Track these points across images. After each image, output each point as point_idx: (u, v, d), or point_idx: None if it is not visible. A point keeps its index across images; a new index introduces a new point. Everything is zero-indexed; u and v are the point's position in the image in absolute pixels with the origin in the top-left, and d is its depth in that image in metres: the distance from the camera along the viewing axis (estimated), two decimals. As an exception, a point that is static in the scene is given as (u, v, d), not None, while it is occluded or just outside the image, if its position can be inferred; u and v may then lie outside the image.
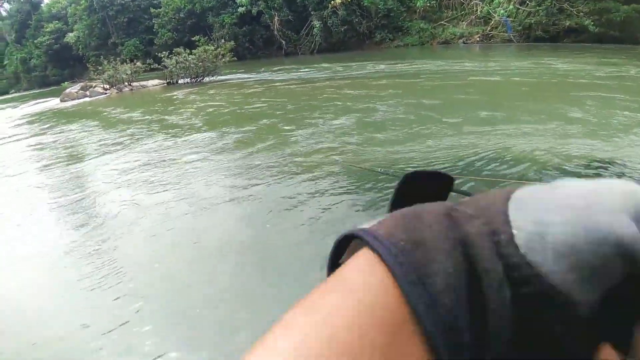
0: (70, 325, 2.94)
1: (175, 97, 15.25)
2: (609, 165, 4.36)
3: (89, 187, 6.02)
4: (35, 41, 48.34)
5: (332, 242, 0.30)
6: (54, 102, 22.15)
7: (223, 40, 23.47)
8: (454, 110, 7.46)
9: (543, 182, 0.34)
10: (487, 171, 4.50)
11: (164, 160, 6.73)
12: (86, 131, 10.87)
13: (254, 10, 31.85)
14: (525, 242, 0.24)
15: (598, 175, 3.92)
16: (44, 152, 9.15)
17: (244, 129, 8.21)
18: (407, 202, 0.30)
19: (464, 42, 24.10)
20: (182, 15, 37.38)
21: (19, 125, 15.16)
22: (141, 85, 21.05)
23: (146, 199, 5.12)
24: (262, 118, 9.06)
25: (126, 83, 21.18)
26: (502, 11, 22.50)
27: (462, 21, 25.37)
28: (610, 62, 12.09)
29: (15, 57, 51.53)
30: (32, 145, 10.16)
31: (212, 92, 15.08)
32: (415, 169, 0.35)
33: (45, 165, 7.78)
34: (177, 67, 19.23)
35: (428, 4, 26.02)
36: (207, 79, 19.51)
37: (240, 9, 32.16)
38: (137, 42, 40.15)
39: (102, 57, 29.08)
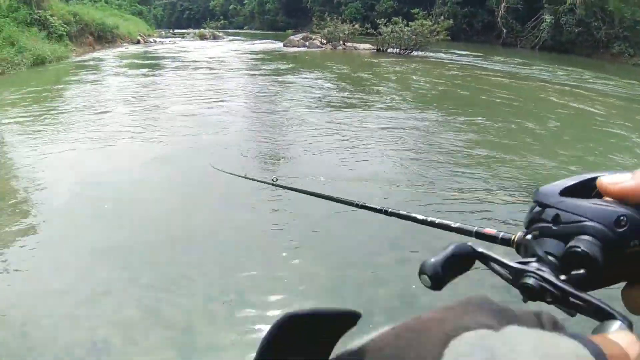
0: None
1: (381, 63, 15.93)
2: None
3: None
4: (275, -12, 54.25)
5: None
6: (277, 45, 25.09)
7: (442, 17, 23.14)
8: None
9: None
10: None
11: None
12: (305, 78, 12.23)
13: (482, -7, 30.53)
14: None
15: None
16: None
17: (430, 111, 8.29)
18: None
19: None
20: (407, -15, 37.77)
21: (254, 59, 17.65)
22: (353, 47, 22.32)
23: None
24: (449, 105, 8.94)
25: (341, 42, 22.67)
26: None
27: None
28: None
29: (254, -1, 58.84)
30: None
31: (414, 65, 15.27)
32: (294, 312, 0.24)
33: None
34: (391, 36, 19.74)
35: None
36: (415, 53, 19.70)
37: (468, -11, 31.11)
38: (359, 5, 41.96)
39: (326, 13, 31.49)
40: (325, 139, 6.17)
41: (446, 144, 6.06)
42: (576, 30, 25.41)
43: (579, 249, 0.31)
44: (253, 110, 8.33)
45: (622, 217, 0.32)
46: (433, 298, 2.41)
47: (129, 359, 2.34)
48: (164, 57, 18.40)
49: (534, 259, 0.34)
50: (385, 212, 0.77)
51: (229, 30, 50.59)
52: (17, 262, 3.18)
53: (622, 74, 16.40)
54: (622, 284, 0.35)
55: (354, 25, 23.08)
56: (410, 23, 19.84)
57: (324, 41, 23.26)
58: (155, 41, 29.81)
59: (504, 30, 30.94)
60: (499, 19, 30.86)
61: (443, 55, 19.68)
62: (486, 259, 0.36)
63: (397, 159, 5.43)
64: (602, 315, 0.29)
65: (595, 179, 0.35)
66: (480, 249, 0.36)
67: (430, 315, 0.24)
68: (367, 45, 21.96)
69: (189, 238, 3.58)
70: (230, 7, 68.62)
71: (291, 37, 26.00)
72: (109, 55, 19.76)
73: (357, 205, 0.87)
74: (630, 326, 0.28)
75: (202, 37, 32.66)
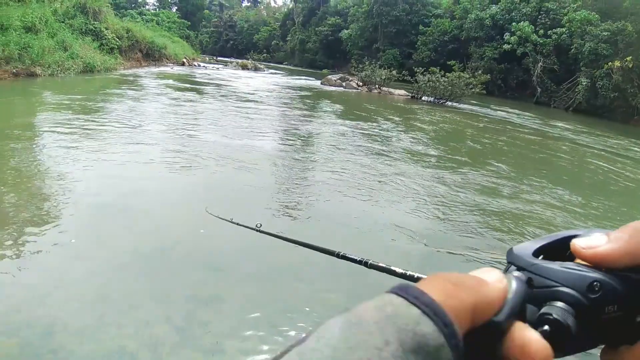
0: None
1: (415, 109, 16.42)
2: None
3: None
4: (317, 29, 56.52)
5: None
6: (315, 82, 26.05)
7: (480, 71, 23.72)
8: None
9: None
10: None
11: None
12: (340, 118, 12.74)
13: (519, 51, 31.20)
14: None
15: None
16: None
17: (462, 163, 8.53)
18: None
19: None
20: (445, 38, 38.92)
21: (298, 97, 18.36)
22: (388, 91, 22.96)
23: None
24: (485, 159, 9.13)
25: (377, 86, 23.39)
26: None
27: None
28: None
29: (297, 36, 61.28)
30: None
31: (448, 115, 15.68)
32: None
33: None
34: (427, 85, 20.32)
35: None
36: (449, 103, 20.19)
37: (506, 46, 31.86)
38: (397, 52, 43.32)
39: (365, 57, 32.58)
40: (347, 185, 5.92)
41: (466, 198, 6.10)
42: (611, 95, 25.61)
43: (550, 317, 0.30)
44: (281, 149, 8.07)
45: (595, 283, 0.31)
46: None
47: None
48: (205, 82, 19.34)
49: None
50: (365, 264, 0.77)
51: (270, 64, 52.66)
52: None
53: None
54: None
55: (391, 71, 23.82)
56: (448, 74, 20.44)
57: (360, 83, 24.04)
58: (199, 65, 31.33)
59: (539, 89, 31.43)
60: (534, 78, 31.38)
61: (477, 108, 20.14)
62: None
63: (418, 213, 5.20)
64: None
65: (569, 238, 0.35)
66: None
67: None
68: (402, 92, 22.58)
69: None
70: (272, 42, 71.45)
71: (329, 77, 26.97)
72: (154, 72, 20.94)
73: (337, 256, 0.87)
74: None
75: (244, 67, 34.05)
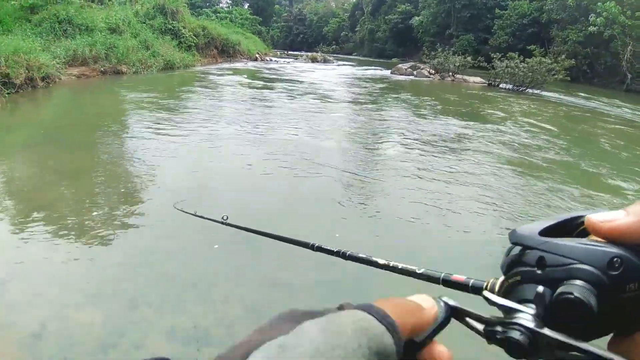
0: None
1: (494, 98, 15.68)
2: None
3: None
4: (386, 17, 55.68)
5: None
6: (385, 72, 25.70)
7: (563, 56, 22.14)
8: None
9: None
10: None
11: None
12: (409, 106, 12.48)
13: (606, 34, 28.59)
14: None
15: None
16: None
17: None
18: None
19: None
20: (525, 21, 36.69)
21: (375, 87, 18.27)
22: (463, 79, 22.12)
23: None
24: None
25: (450, 73, 22.61)
26: None
27: None
28: None
29: (366, 26, 60.82)
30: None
31: (532, 104, 14.78)
32: None
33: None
34: (505, 71, 19.30)
35: None
36: (529, 91, 19.06)
37: (591, 28, 29.30)
38: (472, 38, 41.54)
39: (437, 44, 31.60)
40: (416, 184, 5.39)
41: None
42: None
43: (572, 296, 0.28)
44: (346, 141, 7.68)
45: (616, 259, 0.28)
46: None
47: None
48: (277, 76, 19.68)
49: (517, 309, 0.31)
50: (343, 256, 0.72)
51: (339, 55, 52.73)
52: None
53: None
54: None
55: (465, 58, 22.89)
56: (527, 60, 19.29)
57: (432, 71, 23.34)
58: (270, 60, 32.07)
59: (629, 76, 28.70)
60: (624, 62, 28.71)
61: (561, 97, 18.75)
62: (459, 314, 0.34)
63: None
64: None
65: (576, 218, 0.34)
66: (451, 303, 0.35)
67: (240, 341, 0.27)
68: (478, 79, 21.64)
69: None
70: (342, 34, 71.44)
71: (399, 66, 26.48)
72: (229, 68, 21.70)
73: (313, 248, 0.84)
74: None
75: (314, 60, 34.36)
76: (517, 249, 0.34)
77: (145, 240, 3.60)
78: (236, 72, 19.96)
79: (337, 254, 0.73)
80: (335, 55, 50.71)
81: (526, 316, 0.30)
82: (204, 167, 5.69)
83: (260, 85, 15.07)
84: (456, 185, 5.44)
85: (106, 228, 3.72)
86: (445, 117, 10.66)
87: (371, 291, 2.94)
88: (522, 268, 0.32)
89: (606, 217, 0.30)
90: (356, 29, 66.19)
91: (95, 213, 3.98)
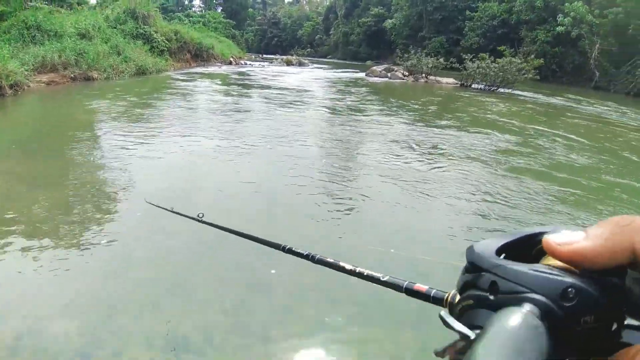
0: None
1: (464, 97, 15.98)
2: None
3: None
4: (360, 20, 56.12)
5: None
6: (360, 75, 25.88)
7: (533, 56, 22.74)
8: None
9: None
10: None
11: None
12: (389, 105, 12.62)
13: (574, 33, 29.50)
14: None
15: None
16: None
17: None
18: None
19: None
20: (495, 23, 37.52)
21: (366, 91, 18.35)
22: (436, 80, 22.48)
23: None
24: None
25: (424, 75, 22.94)
26: None
27: None
28: None
29: (340, 29, 61.22)
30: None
31: (502, 103, 15.11)
32: None
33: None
34: (477, 71, 19.72)
35: None
36: (500, 90, 19.50)
37: (559, 28, 30.20)
38: (444, 39, 42.24)
39: (410, 46, 32.02)
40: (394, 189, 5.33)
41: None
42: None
43: None
44: (322, 146, 7.50)
45: (570, 289, 0.27)
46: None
47: None
48: (251, 79, 19.61)
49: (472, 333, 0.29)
50: (312, 259, 0.73)
51: (314, 58, 52.91)
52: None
53: None
54: None
55: (438, 59, 23.27)
56: (498, 60, 19.75)
57: (406, 73, 23.65)
58: (245, 63, 31.93)
59: (597, 73, 29.66)
60: (591, 61, 29.65)
61: (531, 95, 19.27)
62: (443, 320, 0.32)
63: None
64: None
65: (536, 235, 0.32)
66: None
67: None
68: (450, 79, 22.03)
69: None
70: (316, 37, 71.64)
71: (373, 68, 26.74)
72: (203, 72, 21.56)
73: (283, 250, 0.84)
74: None
75: (289, 63, 34.36)
76: (472, 268, 0.32)
77: (119, 246, 3.54)
78: (208, 76, 19.81)
79: (307, 257, 0.74)
80: (310, 58, 50.84)
81: None
82: (178, 169, 5.69)
83: (235, 92, 14.99)
84: (428, 184, 5.55)
85: (79, 236, 3.64)
86: (419, 117, 10.82)
87: (353, 293, 2.97)
88: (476, 292, 0.31)
89: (564, 240, 0.29)
90: (330, 32, 66.49)
91: (67, 221, 3.89)
